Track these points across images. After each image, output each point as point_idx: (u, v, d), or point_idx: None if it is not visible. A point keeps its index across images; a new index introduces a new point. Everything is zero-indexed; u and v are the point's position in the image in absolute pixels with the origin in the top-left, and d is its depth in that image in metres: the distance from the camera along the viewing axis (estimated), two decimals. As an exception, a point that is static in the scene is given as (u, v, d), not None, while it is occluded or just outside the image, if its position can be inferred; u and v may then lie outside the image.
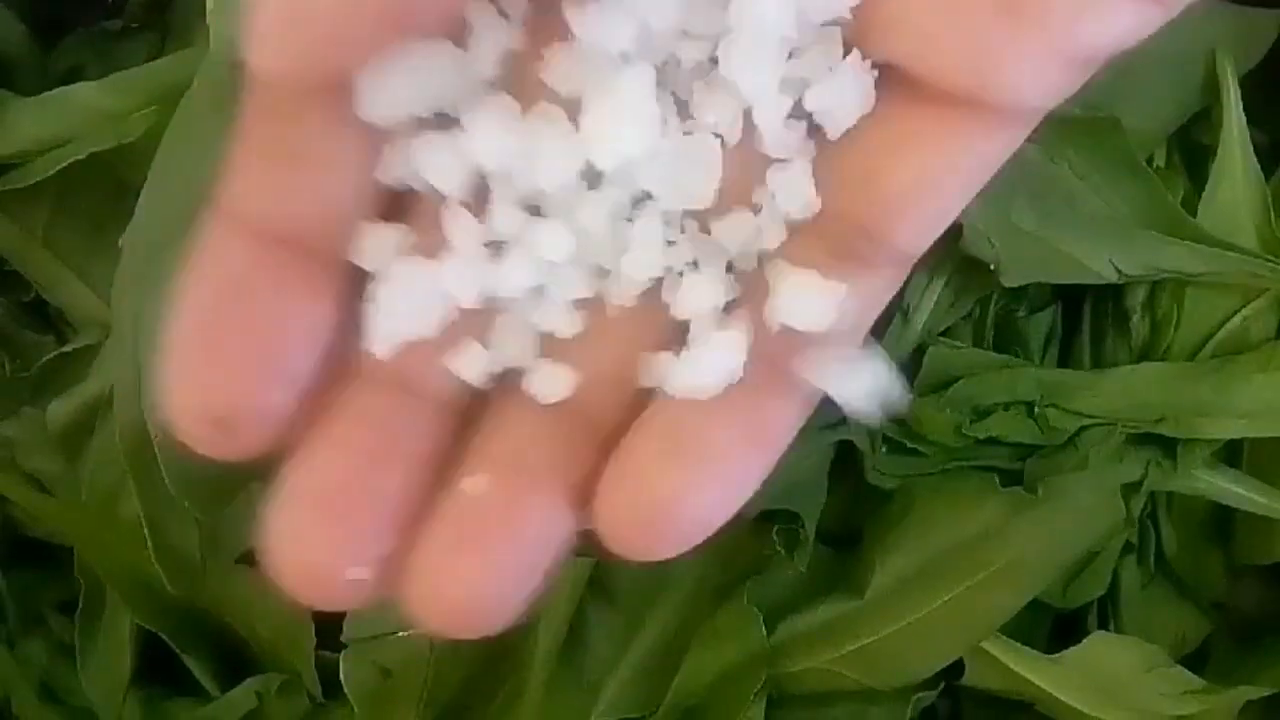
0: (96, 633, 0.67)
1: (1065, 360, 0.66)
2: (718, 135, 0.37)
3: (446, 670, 0.61)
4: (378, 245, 0.35)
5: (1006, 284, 0.61)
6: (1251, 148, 0.64)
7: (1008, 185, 0.62)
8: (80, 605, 0.67)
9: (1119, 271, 0.62)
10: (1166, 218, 0.62)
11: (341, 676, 0.59)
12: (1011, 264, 0.61)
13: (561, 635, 0.60)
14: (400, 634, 0.59)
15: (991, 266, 0.61)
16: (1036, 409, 0.61)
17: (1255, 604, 0.67)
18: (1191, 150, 0.67)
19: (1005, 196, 0.61)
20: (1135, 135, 0.63)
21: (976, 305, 0.64)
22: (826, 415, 0.60)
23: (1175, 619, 0.67)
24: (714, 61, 0.36)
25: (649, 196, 0.36)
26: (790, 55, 0.37)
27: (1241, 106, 0.64)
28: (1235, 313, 0.64)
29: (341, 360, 0.34)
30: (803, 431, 0.60)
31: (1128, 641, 0.63)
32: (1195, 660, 0.66)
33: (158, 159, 0.59)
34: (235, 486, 0.60)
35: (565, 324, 0.36)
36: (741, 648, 0.61)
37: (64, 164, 0.63)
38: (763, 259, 0.37)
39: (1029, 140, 0.62)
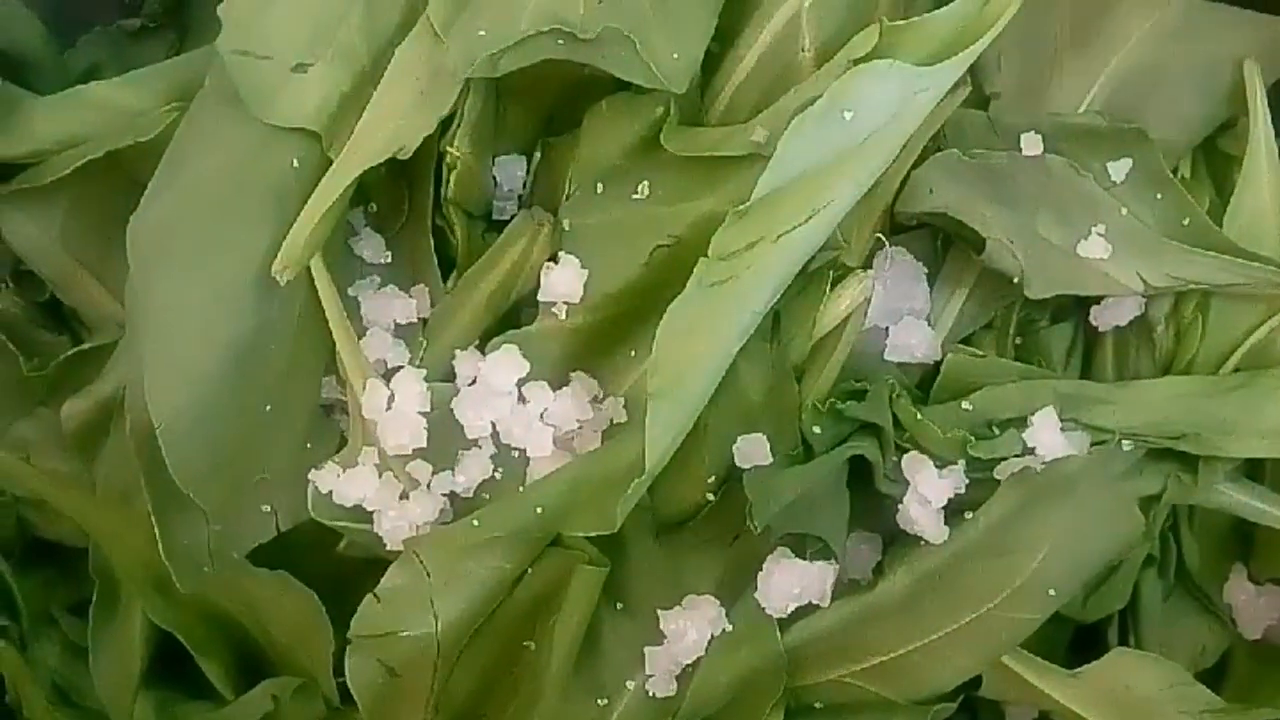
0: (109, 633, 0.67)
1: (1087, 371, 0.66)
2: None
3: (458, 675, 0.60)
4: None
5: (1031, 296, 0.61)
6: (1278, 157, 0.64)
7: (1032, 198, 0.62)
8: (93, 605, 0.67)
9: (1145, 283, 0.61)
10: (1194, 229, 0.62)
11: (347, 674, 0.59)
12: (1037, 276, 0.61)
13: (577, 644, 0.60)
14: (404, 633, 0.58)
15: (1014, 279, 0.61)
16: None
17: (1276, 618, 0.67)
18: (1215, 160, 0.66)
19: (1030, 209, 0.61)
20: (1162, 146, 0.62)
21: (999, 315, 0.64)
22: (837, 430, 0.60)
23: (1196, 632, 0.66)
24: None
25: None
26: None
27: (1269, 116, 0.64)
28: (1261, 324, 0.64)
29: None
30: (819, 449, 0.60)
31: (1148, 658, 0.62)
32: (1215, 674, 0.66)
33: (170, 152, 0.59)
34: (243, 480, 0.60)
35: None
36: (757, 654, 0.60)
37: (82, 162, 0.62)
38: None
39: (1052, 151, 0.62)
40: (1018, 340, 0.65)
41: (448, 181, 0.61)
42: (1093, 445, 0.61)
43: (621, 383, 0.60)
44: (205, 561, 0.61)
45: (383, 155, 0.57)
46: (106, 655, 0.67)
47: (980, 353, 0.63)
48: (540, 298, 0.60)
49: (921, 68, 0.55)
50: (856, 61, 0.55)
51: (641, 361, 0.58)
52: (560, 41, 0.57)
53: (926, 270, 0.63)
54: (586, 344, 0.60)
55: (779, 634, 0.61)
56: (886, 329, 0.62)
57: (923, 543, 0.59)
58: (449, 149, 0.60)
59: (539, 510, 0.57)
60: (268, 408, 0.59)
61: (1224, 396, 0.62)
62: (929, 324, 0.63)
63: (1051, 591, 0.58)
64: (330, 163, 0.59)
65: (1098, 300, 0.64)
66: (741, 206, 0.53)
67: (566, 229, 0.60)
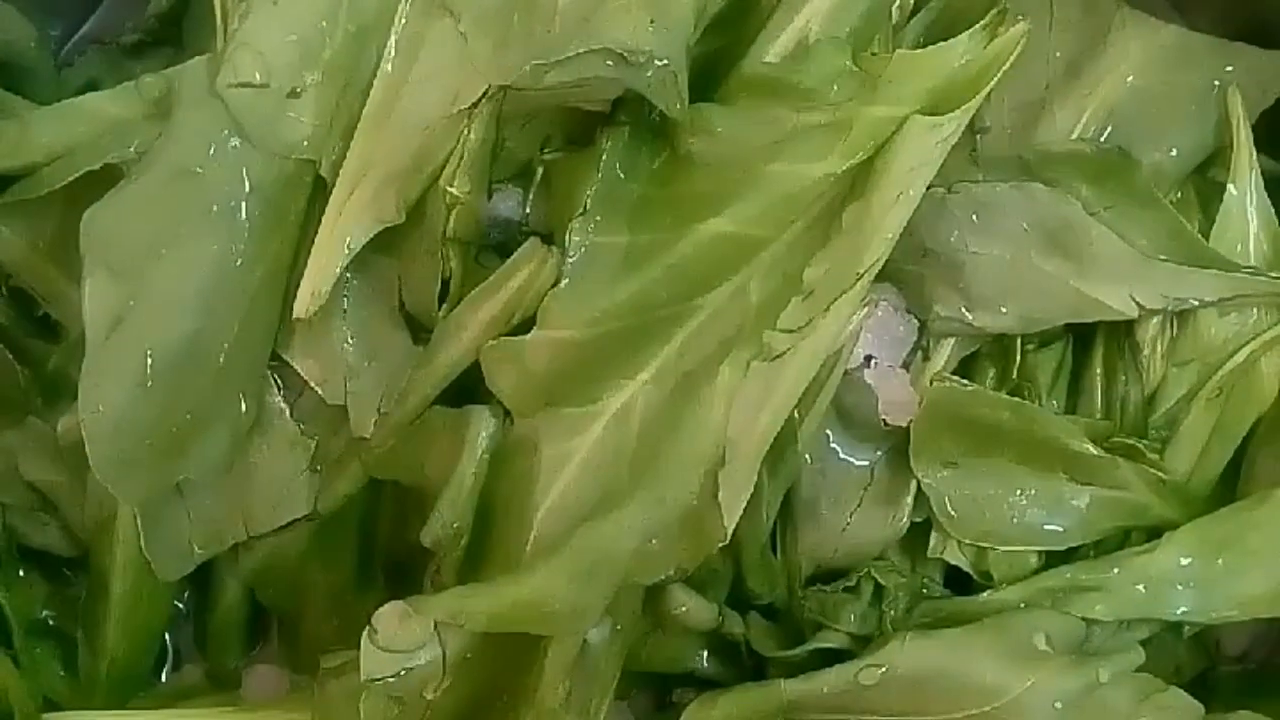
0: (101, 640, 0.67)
1: (1075, 394, 0.66)
2: None
3: (455, 686, 0.60)
4: None
5: (1023, 331, 0.63)
6: (1262, 183, 0.65)
7: (1021, 228, 0.62)
8: (82, 610, 0.68)
9: (1139, 305, 0.62)
10: (1184, 247, 0.63)
11: (361, 713, 0.59)
12: (1031, 306, 0.62)
13: (571, 660, 0.60)
14: (413, 666, 0.58)
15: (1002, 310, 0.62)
16: None
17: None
18: (1205, 188, 0.67)
19: (1020, 239, 0.62)
20: (1154, 174, 0.63)
21: (990, 342, 0.65)
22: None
23: (1172, 649, 0.67)
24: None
25: None
26: None
27: (1253, 144, 0.64)
28: (1244, 344, 0.64)
29: None
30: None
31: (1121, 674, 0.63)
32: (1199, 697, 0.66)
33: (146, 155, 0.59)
34: (163, 482, 0.61)
35: None
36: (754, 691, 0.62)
37: (77, 174, 0.62)
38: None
39: (1039, 179, 0.63)
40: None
41: (447, 219, 0.60)
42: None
43: (615, 400, 0.60)
44: (186, 554, 0.62)
45: (421, 170, 0.58)
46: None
47: (966, 383, 0.64)
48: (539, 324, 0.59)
49: (944, 117, 0.56)
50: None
51: (635, 379, 0.59)
52: (609, 62, 0.56)
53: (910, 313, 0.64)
54: (582, 358, 0.60)
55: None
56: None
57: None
58: (449, 188, 0.59)
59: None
60: (197, 414, 0.60)
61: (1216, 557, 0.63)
62: (922, 357, 0.64)
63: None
64: (310, 182, 0.59)
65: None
66: (806, 286, 0.56)
67: (574, 245, 0.59)
